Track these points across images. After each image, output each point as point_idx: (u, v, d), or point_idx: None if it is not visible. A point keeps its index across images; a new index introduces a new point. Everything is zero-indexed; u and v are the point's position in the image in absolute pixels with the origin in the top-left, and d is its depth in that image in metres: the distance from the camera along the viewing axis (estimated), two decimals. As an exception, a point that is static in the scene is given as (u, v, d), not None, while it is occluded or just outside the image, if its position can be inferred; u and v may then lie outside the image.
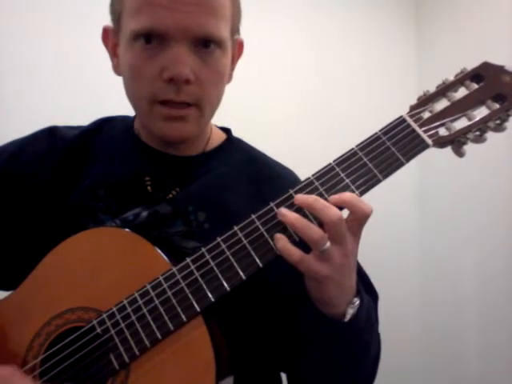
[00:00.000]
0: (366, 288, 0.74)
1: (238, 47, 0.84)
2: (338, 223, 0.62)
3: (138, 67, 0.73)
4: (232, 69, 0.83)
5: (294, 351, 0.76)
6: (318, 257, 0.63)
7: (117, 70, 0.81)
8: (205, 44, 0.72)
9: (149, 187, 0.81)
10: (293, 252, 0.63)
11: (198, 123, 0.77)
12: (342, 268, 0.64)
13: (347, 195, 0.64)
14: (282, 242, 0.64)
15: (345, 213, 0.65)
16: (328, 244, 0.62)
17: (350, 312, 0.67)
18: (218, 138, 0.88)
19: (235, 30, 0.80)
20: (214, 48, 0.73)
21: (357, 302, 0.67)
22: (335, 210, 0.63)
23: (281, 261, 0.65)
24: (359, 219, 0.64)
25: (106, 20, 0.80)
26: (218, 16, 0.72)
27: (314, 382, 0.76)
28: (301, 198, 0.65)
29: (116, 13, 0.76)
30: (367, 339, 0.72)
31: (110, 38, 0.80)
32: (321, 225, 0.64)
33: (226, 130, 0.91)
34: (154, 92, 0.73)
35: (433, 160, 1.11)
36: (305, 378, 0.76)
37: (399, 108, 0.72)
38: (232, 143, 0.90)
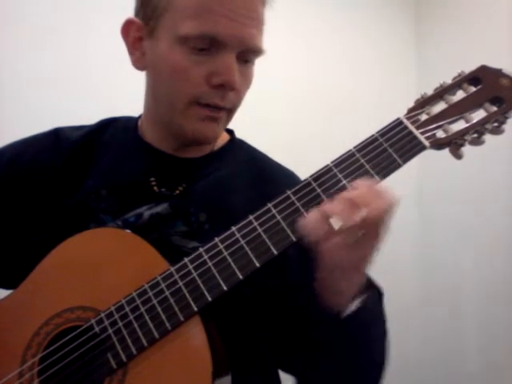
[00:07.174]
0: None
1: None
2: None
3: (183, 69, 0.74)
4: None
5: (297, 350, 0.75)
6: (349, 246, 0.62)
7: (139, 63, 0.79)
8: (247, 57, 0.76)
9: (155, 187, 0.82)
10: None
11: (224, 126, 0.81)
12: (365, 259, 0.64)
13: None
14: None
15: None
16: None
17: (355, 304, 0.67)
18: (221, 139, 0.89)
19: None
20: (252, 62, 0.78)
21: (364, 296, 0.68)
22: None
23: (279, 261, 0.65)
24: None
25: (107, 22, 0.80)
26: (262, 31, 0.76)
27: (324, 379, 0.74)
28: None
29: (156, 9, 0.75)
30: (373, 329, 0.72)
31: (131, 30, 0.79)
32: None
33: (229, 131, 0.92)
34: (198, 95, 0.74)
35: (432, 160, 1.11)
36: (313, 376, 0.75)
37: (397, 110, 0.72)
38: (235, 144, 0.90)
